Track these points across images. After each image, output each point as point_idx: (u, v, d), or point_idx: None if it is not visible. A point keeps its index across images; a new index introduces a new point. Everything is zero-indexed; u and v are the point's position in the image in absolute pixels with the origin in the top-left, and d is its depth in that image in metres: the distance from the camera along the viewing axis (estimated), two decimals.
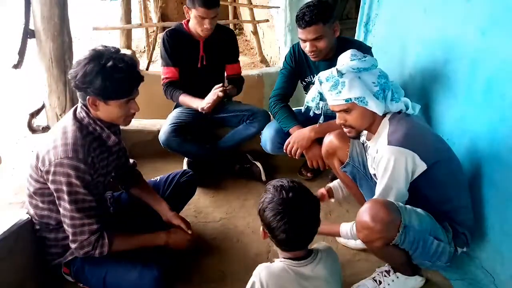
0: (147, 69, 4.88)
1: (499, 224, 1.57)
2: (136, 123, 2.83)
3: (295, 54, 2.23)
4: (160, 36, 2.87)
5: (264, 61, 5.94)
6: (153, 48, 5.31)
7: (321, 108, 1.79)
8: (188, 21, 2.40)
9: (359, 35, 2.60)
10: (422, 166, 1.45)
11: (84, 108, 1.49)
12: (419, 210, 1.49)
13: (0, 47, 5.20)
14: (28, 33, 2.18)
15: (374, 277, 1.72)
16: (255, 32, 5.81)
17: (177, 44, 2.43)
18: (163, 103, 2.54)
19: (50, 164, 1.41)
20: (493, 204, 1.59)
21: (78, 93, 1.47)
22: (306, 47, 2.01)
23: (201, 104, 2.32)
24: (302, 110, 1.94)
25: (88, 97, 1.43)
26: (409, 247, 1.46)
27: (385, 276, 1.70)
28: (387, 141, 1.47)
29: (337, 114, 1.61)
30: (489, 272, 1.63)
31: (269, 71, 4.49)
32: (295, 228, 1.17)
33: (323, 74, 1.56)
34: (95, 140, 1.52)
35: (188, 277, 1.84)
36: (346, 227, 1.64)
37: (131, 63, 1.44)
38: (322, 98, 1.68)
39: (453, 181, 1.54)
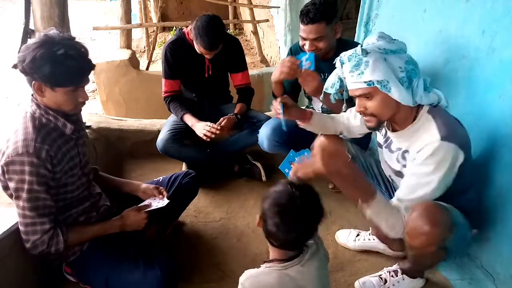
0: (147, 69, 4.88)
1: (499, 224, 1.57)
2: (136, 123, 2.83)
3: None
4: (160, 36, 2.85)
5: (264, 61, 5.94)
6: (153, 48, 5.31)
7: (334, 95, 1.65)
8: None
9: (359, 35, 2.60)
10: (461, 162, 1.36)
11: (35, 101, 1.45)
12: (451, 206, 1.43)
13: (4, 45, 5.19)
14: (28, 33, 2.17)
15: (381, 275, 1.72)
16: (255, 32, 5.81)
17: (181, 56, 2.36)
18: (163, 103, 2.53)
19: (3, 165, 1.39)
20: (493, 204, 1.59)
21: (25, 78, 1.41)
22: (306, 45, 2.00)
23: (198, 130, 2.30)
24: (321, 98, 1.85)
25: (34, 82, 1.38)
26: (458, 245, 1.40)
27: (392, 276, 1.69)
28: (440, 136, 1.33)
29: (357, 101, 1.46)
30: (489, 272, 1.63)
31: (269, 71, 4.49)
32: (285, 227, 1.14)
33: (345, 54, 1.44)
34: (53, 131, 1.47)
35: (188, 277, 1.84)
36: (382, 206, 1.44)
37: (83, 51, 1.41)
38: (342, 84, 1.55)
39: (471, 173, 1.47)
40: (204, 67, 2.41)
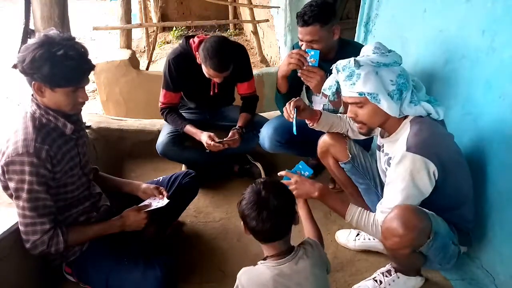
0: (147, 69, 4.87)
1: (499, 224, 1.57)
2: (136, 123, 2.83)
3: None
4: (160, 36, 2.83)
5: (264, 61, 5.94)
6: (153, 48, 5.31)
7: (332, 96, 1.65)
8: (198, 46, 2.15)
9: (359, 35, 2.60)
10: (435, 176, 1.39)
11: (34, 101, 1.45)
12: (436, 215, 1.44)
13: (4, 45, 5.20)
14: (28, 33, 2.17)
15: (375, 277, 1.72)
16: (255, 32, 5.81)
17: (186, 72, 2.26)
18: None
19: (3, 165, 1.39)
20: (493, 204, 1.59)
21: (25, 78, 1.42)
22: (302, 46, 2.01)
23: (203, 138, 2.23)
24: (319, 97, 1.88)
25: (34, 82, 1.38)
26: (435, 254, 1.42)
27: (386, 276, 1.70)
28: (406, 146, 1.38)
29: (349, 107, 1.53)
30: (489, 272, 1.63)
31: (269, 71, 4.49)
32: (260, 217, 1.20)
33: (341, 63, 1.49)
34: (53, 131, 1.47)
35: (188, 277, 1.84)
36: (355, 214, 1.54)
37: (82, 51, 1.40)
38: (338, 87, 1.58)
39: (457, 192, 1.49)
40: (209, 85, 2.31)
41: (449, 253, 1.46)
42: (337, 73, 1.51)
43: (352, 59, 1.44)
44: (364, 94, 1.41)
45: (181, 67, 2.26)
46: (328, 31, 1.96)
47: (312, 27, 1.92)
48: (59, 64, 1.34)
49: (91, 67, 1.44)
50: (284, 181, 1.63)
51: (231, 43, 2.15)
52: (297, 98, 1.82)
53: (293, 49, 2.23)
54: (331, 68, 1.56)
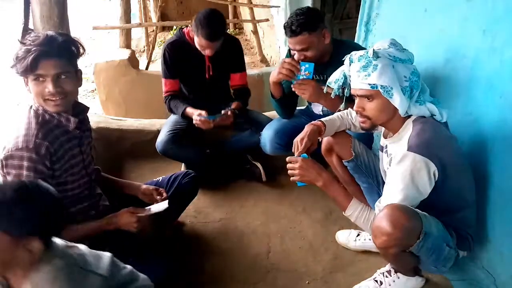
0: (146, 68, 4.87)
1: (500, 225, 1.57)
2: (136, 123, 2.82)
3: None
4: (160, 35, 2.84)
5: (264, 60, 5.94)
6: (153, 48, 5.30)
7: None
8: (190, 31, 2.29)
9: (359, 35, 2.60)
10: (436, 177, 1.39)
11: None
12: (429, 216, 1.44)
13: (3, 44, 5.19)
14: (28, 33, 2.17)
15: (375, 278, 1.72)
16: (255, 32, 5.81)
17: (181, 57, 2.35)
18: (162, 103, 2.53)
19: (2, 158, 1.38)
20: (494, 204, 1.59)
21: None
22: (295, 55, 2.00)
23: (194, 115, 2.24)
24: (324, 91, 1.85)
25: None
26: (426, 255, 1.41)
27: (386, 276, 1.70)
28: (407, 146, 1.38)
29: (357, 100, 1.50)
30: (490, 273, 1.63)
31: (269, 71, 4.47)
32: None
33: (356, 53, 1.47)
34: (56, 128, 1.47)
35: (188, 277, 1.83)
36: (356, 210, 1.53)
37: (48, 36, 1.37)
38: (345, 81, 1.56)
39: (457, 196, 1.48)
40: (204, 68, 2.38)
41: (443, 255, 1.45)
42: (350, 64, 1.49)
43: (370, 49, 1.43)
44: (377, 87, 1.40)
45: (176, 53, 2.35)
46: (318, 36, 1.95)
47: (301, 37, 1.91)
48: (19, 50, 1.35)
49: (46, 51, 1.35)
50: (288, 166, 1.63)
51: (221, 14, 2.22)
52: (305, 141, 1.75)
53: (289, 55, 2.21)
54: (343, 59, 1.54)
